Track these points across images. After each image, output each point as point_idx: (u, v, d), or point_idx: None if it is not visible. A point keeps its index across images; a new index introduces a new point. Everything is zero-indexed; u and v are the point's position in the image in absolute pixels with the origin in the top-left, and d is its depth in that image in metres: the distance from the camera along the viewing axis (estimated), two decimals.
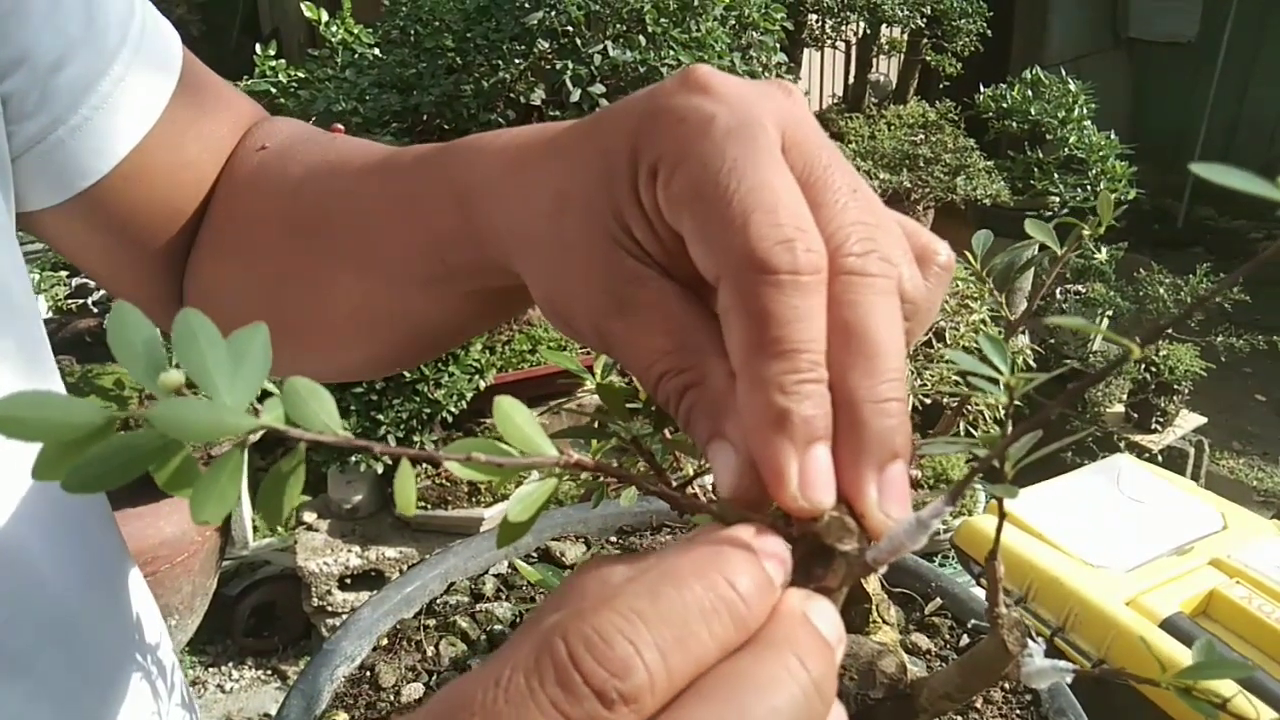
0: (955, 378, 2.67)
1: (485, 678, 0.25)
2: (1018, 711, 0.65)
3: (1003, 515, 0.33)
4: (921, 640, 0.71)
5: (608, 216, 0.33)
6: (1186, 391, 3.04)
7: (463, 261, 0.42)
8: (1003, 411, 0.30)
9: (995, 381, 0.30)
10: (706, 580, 0.26)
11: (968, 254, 0.52)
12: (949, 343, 2.68)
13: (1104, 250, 0.52)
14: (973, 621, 0.63)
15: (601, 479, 0.50)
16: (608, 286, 0.33)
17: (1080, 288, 3.24)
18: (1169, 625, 1.34)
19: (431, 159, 0.44)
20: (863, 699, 0.42)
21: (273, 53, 2.68)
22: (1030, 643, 0.36)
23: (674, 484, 0.40)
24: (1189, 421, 3.13)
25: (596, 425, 0.41)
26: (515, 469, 0.27)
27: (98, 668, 0.53)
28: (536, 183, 0.37)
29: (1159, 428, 3.05)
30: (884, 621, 0.56)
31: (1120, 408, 3.14)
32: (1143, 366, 2.97)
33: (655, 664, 0.24)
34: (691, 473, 0.42)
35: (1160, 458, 2.95)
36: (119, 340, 0.27)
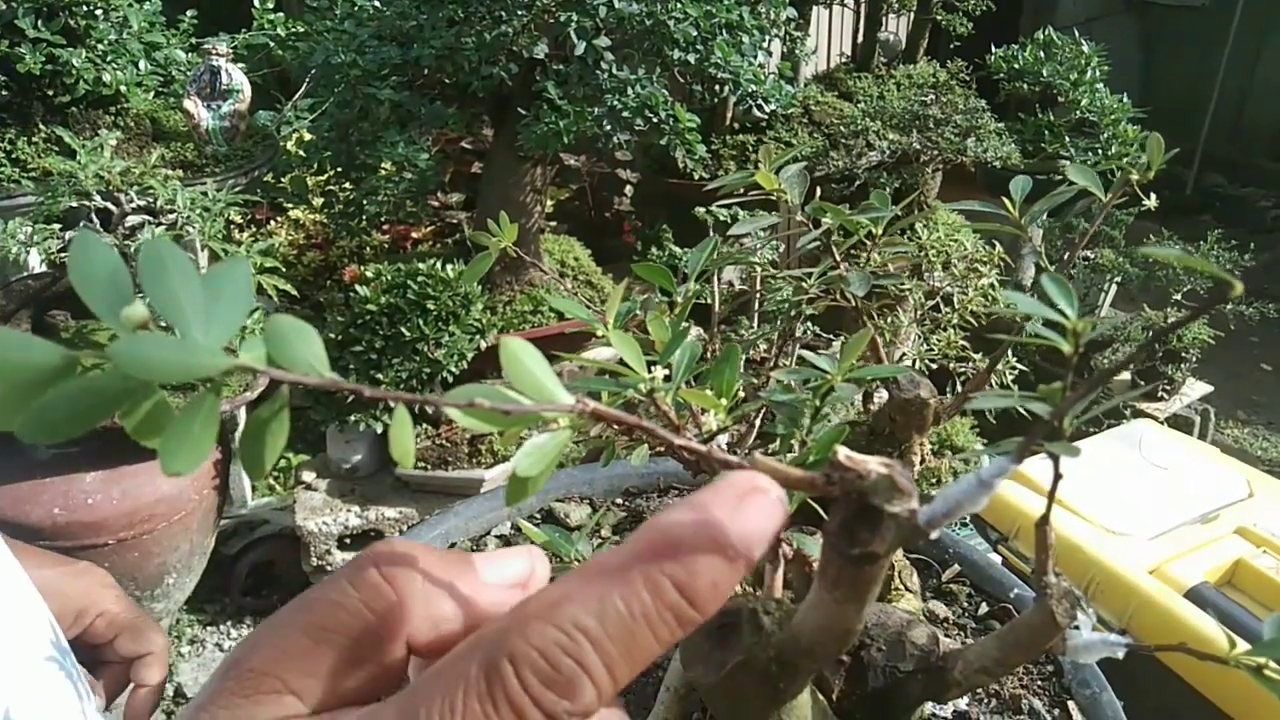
0: (963, 344, 2.63)
1: (437, 694, 0.25)
2: (1039, 682, 0.62)
3: (1057, 477, 0.30)
4: (939, 608, 0.68)
5: None
6: (1194, 359, 3.01)
7: None
8: (1069, 360, 0.27)
9: (1059, 328, 0.27)
10: (652, 584, 0.26)
11: (1005, 200, 0.49)
12: (957, 307, 2.64)
13: (1153, 197, 0.49)
14: (1015, 591, 0.61)
15: (613, 434, 0.48)
16: None
17: (1089, 253, 3.20)
18: (1194, 595, 1.30)
19: None
20: (891, 671, 0.39)
21: (271, 5, 2.63)
22: (1080, 615, 0.33)
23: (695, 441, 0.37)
24: (1196, 390, 3.10)
25: (609, 377, 0.38)
26: (525, 417, 0.24)
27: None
28: None
29: (1166, 395, 3.02)
30: (906, 588, 0.53)
31: (1126, 374, 3.11)
32: (1150, 333, 2.94)
33: (603, 679, 0.25)
34: (714, 429, 0.39)
35: (1166, 425, 2.93)
36: (78, 269, 0.24)
